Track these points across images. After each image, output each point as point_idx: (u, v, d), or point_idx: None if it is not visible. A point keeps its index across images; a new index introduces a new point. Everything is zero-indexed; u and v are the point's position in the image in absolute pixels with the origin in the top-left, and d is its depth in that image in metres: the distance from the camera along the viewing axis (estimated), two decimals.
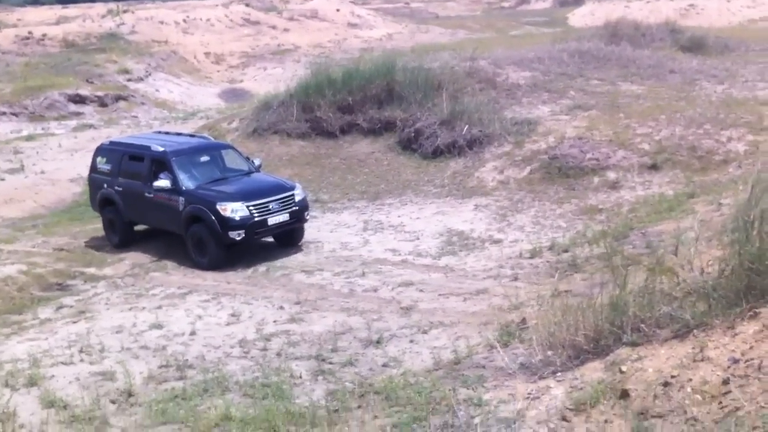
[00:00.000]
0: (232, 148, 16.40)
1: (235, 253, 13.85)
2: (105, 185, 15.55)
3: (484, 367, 8.09)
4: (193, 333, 10.63)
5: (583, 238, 12.48)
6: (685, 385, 5.67)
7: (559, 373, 6.93)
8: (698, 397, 5.47)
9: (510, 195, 15.69)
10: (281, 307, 11.29)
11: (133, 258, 14.49)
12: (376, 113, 20.26)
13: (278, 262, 13.55)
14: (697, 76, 22.13)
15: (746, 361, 5.53)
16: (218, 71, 39.17)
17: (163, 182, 14.13)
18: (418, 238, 14.05)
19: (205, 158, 14.99)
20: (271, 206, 13.85)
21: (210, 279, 13.08)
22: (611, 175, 15.37)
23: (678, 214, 12.30)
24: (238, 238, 13.56)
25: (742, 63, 24.70)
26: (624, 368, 6.31)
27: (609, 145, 16.42)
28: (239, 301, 11.77)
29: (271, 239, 14.66)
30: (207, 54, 40.00)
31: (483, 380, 7.54)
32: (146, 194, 14.63)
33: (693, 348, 6.09)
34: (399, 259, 13.11)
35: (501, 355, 7.88)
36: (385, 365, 9.07)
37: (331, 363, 9.26)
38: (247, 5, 46.76)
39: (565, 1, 64.26)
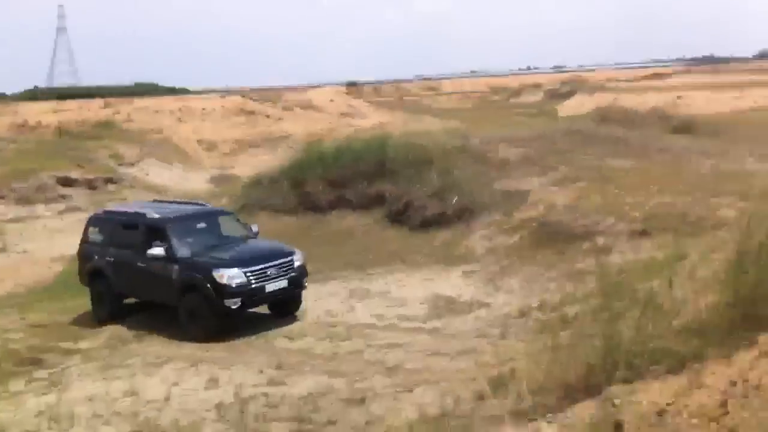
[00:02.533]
0: (230, 213, 15.95)
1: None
2: (96, 256, 14.90)
3: (471, 417, 7.64)
4: (167, 398, 10.24)
5: (572, 298, 12.13)
6: (682, 411, 5.26)
7: (550, 415, 6.52)
8: (695, 421, 5.07)
9: (498, 261, 15.42)
10: (261, 371, 10.86)
11: (110, 331, 14.03)
12: (366, 188, 20.20)
13: (260, 330, 13.13)
14: (686, 153, 22.18)
15: (744, 381, 5.15)
16: (210, 158, 39.42)
17: (156, 250, 13.48)
18: (404, 304, 13.72)
19: (201, 225, 14.46)
20: (269, 272, 13.18)
21: (188, 348, 12.65)
22: (601, 240, 15.12)
23: (669, 272, 11.98)
24: (235, 307, 12.84)
25: (730, 143, 24.85)
26: (617, 402, 5.91)
27: (599, 212, 16.22)
28: (218, 367, 11.33)
29: (265, 310, 14.04)
30: (200, 141, 40.37)
31: (470, 428, 7.10)
32: (139, 264, 13.97)
33: (688, 379, 5.72)
34: (385, 324, 12.76)
35: (490, 404, 7.46)
36: (368, 423, 8.63)
37: (311, 423, 8.84)
38: (243, 96, 47.47)
39: (555, 93, 65.58)
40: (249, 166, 36.58)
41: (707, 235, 14.82)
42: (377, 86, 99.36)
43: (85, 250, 15.36)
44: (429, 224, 17.98)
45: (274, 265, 13.30)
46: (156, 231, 13.92)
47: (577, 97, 56.17)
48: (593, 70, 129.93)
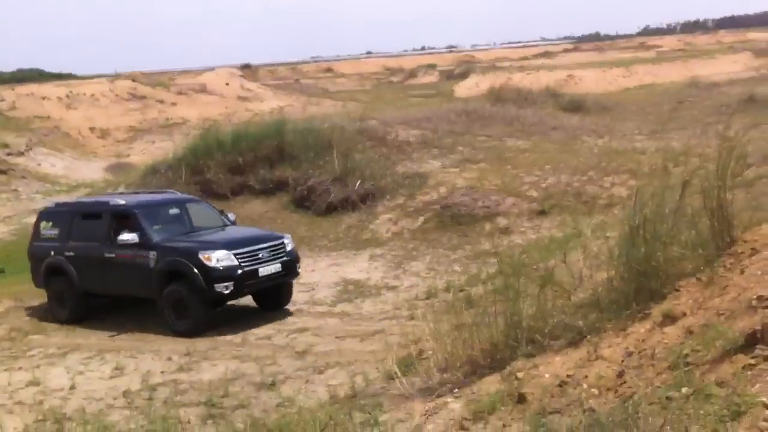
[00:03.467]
0: (204, 202, 14.94)
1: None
2: (52, 252, 13.62)
3: (381, 395, 7.84)
4: (72, 387, 10.09)
5: (476, 279, 12.50)
6: (581, 382, 5.58)
7: (456, 390, 6.77)
8: (594, 390, 5.38)
9: (404, 244, 15.71)
10: (169, 359, 10.79)
11: (10, 323, 13.58)
12: (267, 173, 20.09)
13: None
14: (578, 132, 23.04)
15: (639, 351, 5.50)
16: (104, 146, 38.21)
17: (128, 235, 12.32)
18: (313, 289, 13.82)
19: (174, 211, 13.43)
20: (260, 255, 12.20)
21: (93, 338, 12.42)
22: (502, 221, 15.60)
23: (568, 251, 12.48)
24: (227, 292, 11.81)
25: (619, 120, 25.91)
26: (520, 375, 6.20)
27: (498, 193, 16.74)
28: (124, 355, 11.18)
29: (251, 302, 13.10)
30: (92, 129, 39.03)
31: (380, 406, 7.29)
32: (106, 255, 12.80)
33: (587, 351, 6.05)
34: (294, 309, 12.82)
35: (399, 383, 7.65)
36: (279, 405, 8.70)
37: (221, 408, 8.86)
38: (134, 80, 46.10)
39: (450, 74, 66.37)
40: (146, 153, 35.72)
41: (601, 213, 15.53)
42: (273, 68, 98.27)
43: (38, 249, 14.08)
44: (334, 209, 18.08)
45: (266, 248, 12.35)
46: (124, 218, 12.83)
47: (472, 78, 57.00)
48: (486, 50, 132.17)
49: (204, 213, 13.95)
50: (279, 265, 12.30)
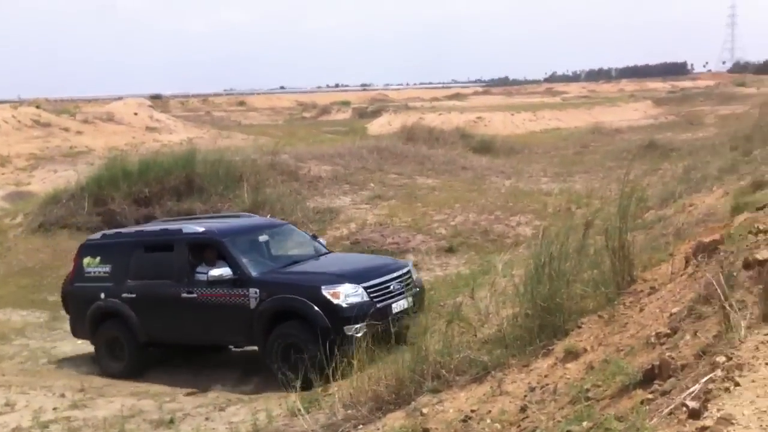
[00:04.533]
0: (292, 226, 12.79)
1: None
2: (102, 295, 11.35)
3: None
4: None
5: None
6: (485, 417, 5.59)
7: (360, 426, 6.69)
8: (497, 425, 5.39)
9: None
10: (62, 395, 10.28)
11: None
12: (174, 205, 19.61)
13: (61, 352, 12.44)
14: (487, 172, 23.50)
15: (542, 387, 5.56)
16: (3, 174, 36.75)
17: (219, 271, 10.23)
18: None
19: (263, 238, 11.28)
20: (392, 287, 10.09)
21: None
22: (411, 258, 15.65)
23: (476, 287, 12.63)
24: (359, 335, 8.98)
25: (526, 162, 26.58)
26: (425, 411, 6.17)
27: (408, 230, 16.85)
28: (14, 391, 10.59)
29: None
30: None
31: None
32: (183, 295, 10.60)
33: (491, 386, 6.08)
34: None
35: (302, 420, 7.51)
36: None
37: None
38: (38, 107, 44.70)
39: (364, 112, 66.93)
40: (47, 182, 34.47)
41: (507, 252, 15.79)
42: (184, 99, 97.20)
43: (81, 291, 11.72)
44: None
45: (395, 278, 10.26)
46: (205, 249, 10.75)
47: (385, 116, 57.61)
48: (398, 89, 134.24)
49: (296, 239, 11.97)
50: (411, 299, 9.74)
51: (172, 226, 11.65)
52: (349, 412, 7.09)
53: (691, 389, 3.50)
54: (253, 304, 10.00)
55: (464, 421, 5.69)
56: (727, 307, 4.12)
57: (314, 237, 12.19)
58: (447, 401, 6.26)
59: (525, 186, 21.15)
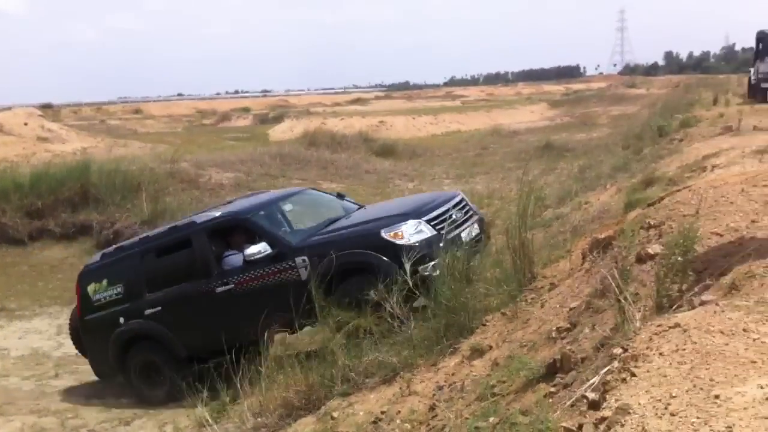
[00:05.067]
0: (312, 189, 11.58)
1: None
2: (121, 319, 9.96)
3: None
4: None
5: None
6: (395, 418, 5.65)
7: None
8: (407, 425, 5.46)
9: None
10: None
11: None
12: (69, 217, 19.02)
13: None
14: (390, 175, 23.67)
15: (450, 386, 5.65)
16: None
17: (256, 247, 8.92)
18: None
19: (288, 207, 9.98)
20: (454, 215, 8.95)
21: None
22: None
23: None
24: (436, 273, 7.59)
25: (428, 165, 26.91)
26: (335, 414, 6.19)
27: None
28: None
29: None
30: None
31: None
32: (218, 290, 9.22)
33: (400, 387, 6.14)
34: None
35: (211, 430, 7.40)
36: None
37: None
38: None
39: (265, 118, 66.38)
40: None
41: None
42: (77, 108, 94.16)
43: (95, 323, 10.26)
44: None
45: (453, 207, 9.07)
46: (228, 235, 9.59)
47: (287, 122, 57.28)
48: (299, 95, 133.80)
49: (322, 202, 10.73)
50: (477, 227, 9.10)
51: (182, 221, 10.32)
52: (259, 420, 7.03)
53: (591, 381, 3.62)
54: (303, 274, 8.63)
55: (374, 422, 5.74)
56: (622, 300, 4.27)
57: (340, 195, 11.06)
58: (357, 404, 6.29)
59: (428, 188, 21.38)
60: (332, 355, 6.92)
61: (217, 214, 9.81)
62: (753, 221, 5.13)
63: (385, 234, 8.42)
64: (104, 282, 10.22)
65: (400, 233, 8.40)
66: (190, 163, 22.33)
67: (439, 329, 6.62)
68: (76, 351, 11.12)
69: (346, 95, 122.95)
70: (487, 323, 6.38)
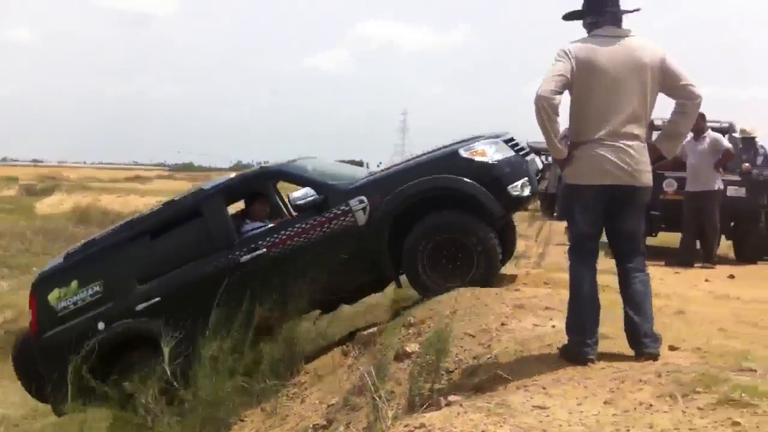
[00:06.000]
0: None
1: None
2: (100, 325, 7.74)
3: None
4: None
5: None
6: None
7: None
8: None
9: None
10: None
11: None
12: None
13: None
14: None
15: None
16: None
17: (302, 191, 7.30)
18: None
19: (313, 164, 8.26)
20: (518, 143, 7.86)
21: None
22: None
23: None
24: (526, 194, 7.10)
25: None
26: None
27: None
28: None
29: None
30: None
31: None
32: (243, 259, 7.45)
33: None
34: None
35: None
36: None
37: None
38: None
39: (31, 189, 62.48)
40: None
41: None
42: None
43: (58, 339, 7.77)
44: None
45: (506, 141, 7.57)
46: (250, 201, 8.21)
47: (57, 195, 54.27)
48: (74, 167, 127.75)
49: (339, 165, 9.47)
50: (537, 160, 8.12)
51: (184, 194, 8.51)
52: None
53: None
54: (361, 218, 7.26)
55: None
56: (377, 399, 4.32)
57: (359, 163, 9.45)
58: None
59: None
60: None
61: (233, 174, 8.47)
62: (503, 324, 5.42)
63: (465, 153, 7.24)
64: (73, 284, 8.11)
65: (481, 151, 7.24)
66: None
67: (195, 425, 6.37)
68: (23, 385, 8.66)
69: (126, 171, 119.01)
70: (245, 419, 6.22)
